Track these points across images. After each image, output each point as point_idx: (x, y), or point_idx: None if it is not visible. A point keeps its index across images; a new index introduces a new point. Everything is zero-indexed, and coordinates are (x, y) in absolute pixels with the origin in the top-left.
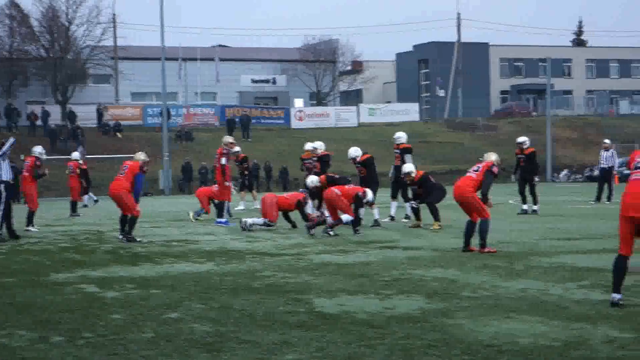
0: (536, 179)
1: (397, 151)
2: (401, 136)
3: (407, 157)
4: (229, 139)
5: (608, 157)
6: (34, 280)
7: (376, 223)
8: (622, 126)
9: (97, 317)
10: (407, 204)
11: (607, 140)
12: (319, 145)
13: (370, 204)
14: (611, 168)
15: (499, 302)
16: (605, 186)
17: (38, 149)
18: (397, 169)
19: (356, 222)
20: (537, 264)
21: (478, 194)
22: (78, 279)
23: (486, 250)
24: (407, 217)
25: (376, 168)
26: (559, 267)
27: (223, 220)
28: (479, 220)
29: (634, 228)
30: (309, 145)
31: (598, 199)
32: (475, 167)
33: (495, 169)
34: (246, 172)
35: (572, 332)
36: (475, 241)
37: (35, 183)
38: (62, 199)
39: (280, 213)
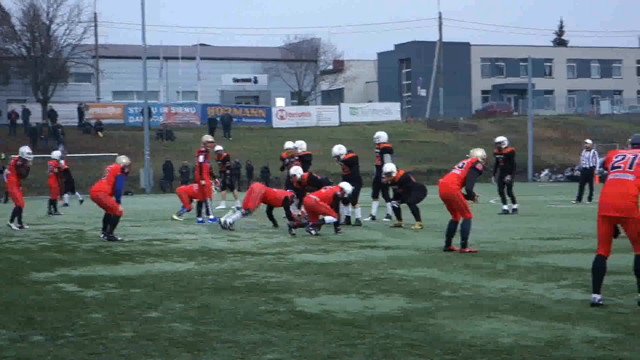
0: (507, 177)
1: (377, 151)
2: (381, 136)
3: (387, 156)
4: (208, 138)
5: (589, 157)
6: (15, 279)
7: (358, 222)
8: (603, 126)
9: (78, 316)
10: (388, 204)
11: (588, 140)
12: (300, 145)
13: (353, 202)
14: (592, 168)
15: (480, 301)
16: (587, 186)
17: (25, 150)
18: (378, 168)
19: (337, 221)
20: (518, 263)
21: (463, 191)
22: (58, 278)
23: (467, 250)
24: (388, 216)
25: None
26: (539, 267)
27: (200, 219)
28: (461, 219)
29: (612, 228)
30: (289, 144)
31: (579, 198)
32: (460, 164)
33: (479, 166)
34: (227, 172)
35: (553, 332)
36: (456, 241)
37: (17, 182)
38: (43, 197)
39: (265, 211)
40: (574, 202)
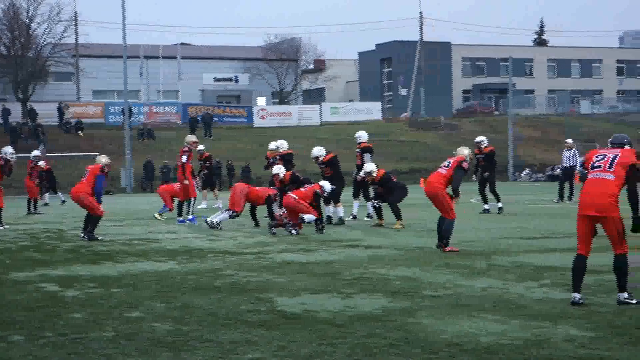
0: (486, 173)
1: (358, 150)
2: (362, 135)
3: (367, 156)
4: (192, 138)
5: (570, 157)
6: None
7: (341, 221)
8: (583, 125)
9: (58, 316)
10: (369, 203)
11: (569, 140)
12: (281, 144)
13: (335, 201)
14: (573, 167)
15: (461, 301)
16: (567, 185)
17: (8, 150)
18: (359, 168)
19: (319, 220)
20: (499, 263)
21: (449, 190)
22: (38, 278)
23: (448, 249)
24: (369, 216)
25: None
26: (520, 266)
27: (181, 219)
28: (445, 219)
29: (592, 227)
30: (273, 145)
31: (561, 197)
32: (446, 163)
33: (465, 165)
34: (205, 171)
35: (533, 331)
36: (452, 240)
37: None
38: (23, 197)
39: (247, 208)
40: (555, 201)
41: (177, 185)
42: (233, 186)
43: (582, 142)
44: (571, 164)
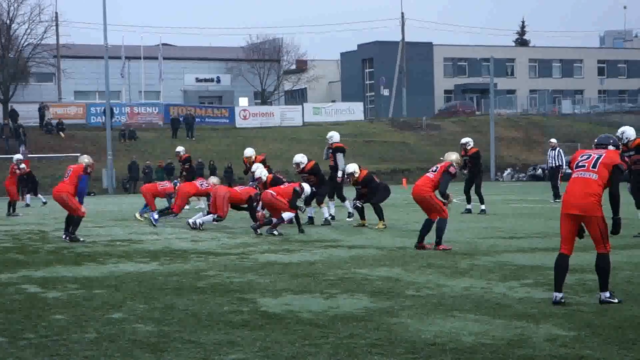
0: (464, 172)
1: (330, 150)
2: (334, 135)
3: (339, 156)
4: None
5: (555, 156)
6: None
7: (326, 222)
8: (564, 126)
9: (40, 318)
10: (347, 202)
11: (553, 140)
12: (251, 153)
13: (318, 202)
14: (559, 167)
15: (443, 300)
16: (555, 184)
17: None
18: (332, 168)
19: (298, 220)
20: (481, 262)
21: (437, 194)
22: (20, 279)
23: (441, 247)
24: (350, 215)
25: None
26: (502, 265)
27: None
28: (437, 218)
29: (575, 226)
30: (249, 152)
31: (557, 196)
32: (434, 167)
33: (452, 169)
34: (184, 173)
35: (515, 331)
36: (428, 239)
37: None
38: (2, 199)
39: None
40: (552, 201)
41: (159, 184)
42: (214, 190)
43: (563, 142)
44: (557, 164)
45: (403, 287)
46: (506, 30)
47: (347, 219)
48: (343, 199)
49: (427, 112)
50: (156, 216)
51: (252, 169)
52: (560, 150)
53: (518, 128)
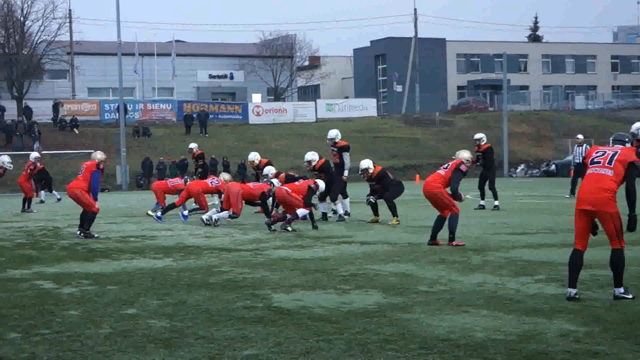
0: (478, 163)
1: (334, 149)
2: (337, 134)
3: (346, 155)
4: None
5: (581, 152)
6: None
7: (341, 218)
8: (574, 121)
9: (53, 314)
10: (340, 205)
11: (580, 136)
12: (254, 157)
13: (332, 198)
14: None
15: (455, 296)
16: (579, 180)
17: (6, 159)
18: (339, 166)
19: (312, 217)
20: (493, 258)
21: (448, 190)
22: (34, 275)
23: (455, 243)
24: (334, 212)
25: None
26: (514, 261)
27: (186, 213)
28: (448, 214)
29: (589, 222)
30: (254, 156)
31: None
32: (445, 165)
33: (463, 167)
34: (200, 170)
35: (527, 326)
36: (441, 235)
37: None
38: (17, 195)
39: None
40: (567, 196)
41: (170, 181)
42: (226, 186)
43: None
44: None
45: (415, 282)
46: (519, 26)
47: (330, 216)
48: (337, 198)
49: (439, 108)
50: (186, 212)
51: (264, 172)
52: (587, 146)
53: (528, 123)
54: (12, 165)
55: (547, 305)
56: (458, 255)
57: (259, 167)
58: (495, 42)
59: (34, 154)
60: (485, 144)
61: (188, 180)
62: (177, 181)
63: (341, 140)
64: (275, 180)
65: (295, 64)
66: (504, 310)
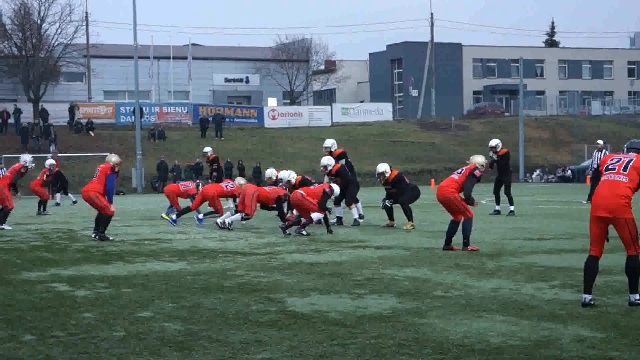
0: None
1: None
2: (334, 142)
3: (343, 162)
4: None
5: (600, 158)
6: (5, 278)
7: (356, 222)
8: (591, 126)
9: (68, 316)
10: (339, 209)
11: (600, 141)
12: (270, 173)
13: (348, 204)
14: None
15: (470, 301)
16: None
17: (28, 158)
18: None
19: (327, 221)
20: (509, 263)
21: (462, 195)
22: (49, 278)
23: (469, 248)
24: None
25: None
26: (529, 266)
27: (200, 216)
28: (462, 219)
29: (604, 228)
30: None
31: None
32: (459, 170)
33: (477, 172)
34: (215, 174)
35: (543, 332)
36: (456, 240)
37: (8, 184)
38: (32, 197)
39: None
40: (583, 202)
41: (182, 185)
42: (242, 188)
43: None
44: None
45: (430, 287)
46: (535, 31)
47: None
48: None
49: (455, 112)
50: (201, 216)
51: (280, 176)
52: (607, 152)
53: (545, 128)
54: (33, 165)
55: (562, 311)
56: (473, 260)
57: (295, 186)
58: (511, 47)
59: (50, 161)
60: (502, 149)
61: (200, 184)
62: (188, 185)
63: (337, 149)
64: (240, 179)
65: (311, 67)
66: (520, 316)
